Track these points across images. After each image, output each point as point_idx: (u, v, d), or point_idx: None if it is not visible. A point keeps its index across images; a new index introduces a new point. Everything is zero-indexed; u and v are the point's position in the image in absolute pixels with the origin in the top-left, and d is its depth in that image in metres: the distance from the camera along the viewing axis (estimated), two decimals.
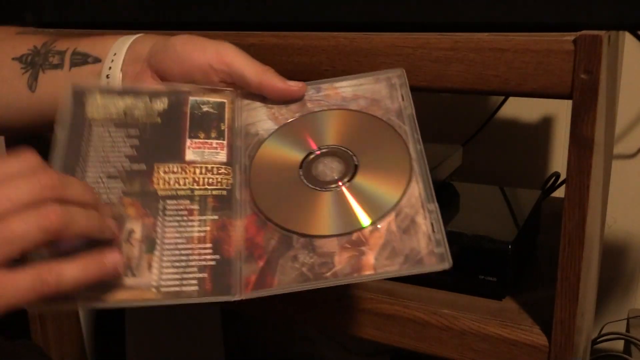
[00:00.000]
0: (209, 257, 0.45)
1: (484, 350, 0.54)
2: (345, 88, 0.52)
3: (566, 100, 0.46)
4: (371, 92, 0.51)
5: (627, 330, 0.92)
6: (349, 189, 0.47)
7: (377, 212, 0.45)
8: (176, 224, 0.46)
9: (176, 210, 0.46)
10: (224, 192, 0.48)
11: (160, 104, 0.51)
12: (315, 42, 0.54)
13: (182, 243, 0.45)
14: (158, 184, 0.47)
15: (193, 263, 0.44)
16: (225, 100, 0.52)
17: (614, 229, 0.97)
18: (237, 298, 0.43)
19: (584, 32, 0.44)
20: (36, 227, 0.36)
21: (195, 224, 0.46)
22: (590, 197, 0.47)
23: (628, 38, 0.77)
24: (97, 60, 0.55)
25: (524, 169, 1.02)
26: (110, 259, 0.40)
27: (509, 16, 0.49)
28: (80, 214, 0.38)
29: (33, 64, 0.57)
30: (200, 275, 0.44)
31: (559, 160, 1.00)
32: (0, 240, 0.36)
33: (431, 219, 0.44)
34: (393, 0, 0.53)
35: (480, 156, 1.00)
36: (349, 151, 0.49)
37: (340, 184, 0.47)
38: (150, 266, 0.43)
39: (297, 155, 0.49)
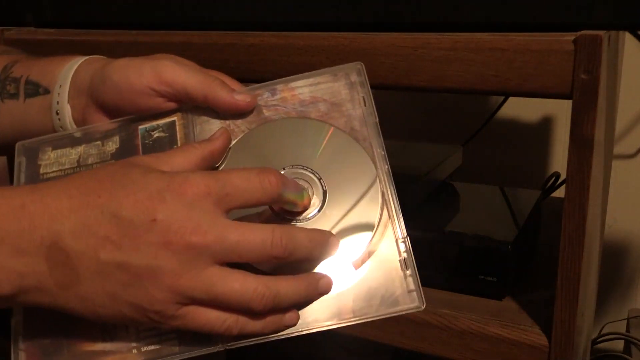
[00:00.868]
0: None
1: (484, 350, 0.54)
2: (302, 89, 0.48)
3: (566, 100, 0.46)
4: (330, 93, 0.47)
5: (627, 330, 0.92)
6: (319, 222, 0.44)
7: (352, 250, 0.43)
8: None
9: None
10: None
11: (113, 145, 0.48)
12: (315, 42, 0.54)
13: None
14: None
15: None
16: (174, 119, 0.48)
17: (614, 229, 0.97)
18: (219, 349, 0.41)
19: (584, 32, 0.44)
20: (259, 185, 0.39)
21: None
22: (590, 197, 0.47)
23: (628, 38, 0.77)
24: (47, 91, 0.52)
25: (524, 169, 1.02)
26: (324, 283, 0.42)
27: (509, 16, 0.49)
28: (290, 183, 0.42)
29: None
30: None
31: (559, 160, 1.00)
32: (224, 192, 0.38)
33: (403, 254, 0.43)
34: (393, 0, 0.53)
35: (480, 156, 1.00)
36: (315, 174, 0.45)
37: (309, 216, 0.44)
38: (126, 326, 0.42)
39: None
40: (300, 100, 0.48)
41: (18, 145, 0.48)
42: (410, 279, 0.42)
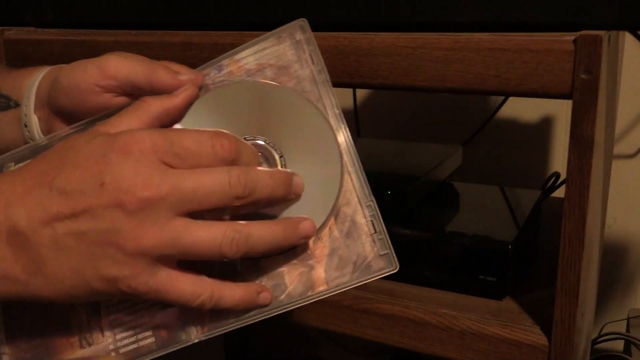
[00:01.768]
0: (156, 305, 0.42)
1: (484, 350, 0.54)
2: (248, 58, 0.46)
3: (566, 100, 0.46)
4: (276, 57, 0.45)
5: (627, 330, 0.92)
6: None
7: (316, 219, 0.42)
8: None
9: None
10: None
11: None
12: (316, 41, 0.54)
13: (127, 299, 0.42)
14: None
15: (143, 314, 0.42)
16: None
17: (614, 229, 0.97)
18: (194, 340, 0.41)
19: (584, 32, 0.44)
20: (210, 149, 0.38)
21: None
22: (590, 197, 0.47)
23: (628, 38, 0.77)
24: (17, 104, 0.52)
25: (524, 169, 1.02)
26: (305, 225, 0.40)
27: (509, 16, 0.49)
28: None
29: None
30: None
31: (559, 160, 1.00)
32: (173, 153, 0.37)
33: (371, 218, 0.42)
34: (393, 0, 0.53)
35: (480, 156, 1.00)
36: (270, 146, 0.44)
37: None
38: (102, 330, 0.42)
39: None
40: (246, 70, 0.46)
41: None
42: (380, 242, 0.41)
